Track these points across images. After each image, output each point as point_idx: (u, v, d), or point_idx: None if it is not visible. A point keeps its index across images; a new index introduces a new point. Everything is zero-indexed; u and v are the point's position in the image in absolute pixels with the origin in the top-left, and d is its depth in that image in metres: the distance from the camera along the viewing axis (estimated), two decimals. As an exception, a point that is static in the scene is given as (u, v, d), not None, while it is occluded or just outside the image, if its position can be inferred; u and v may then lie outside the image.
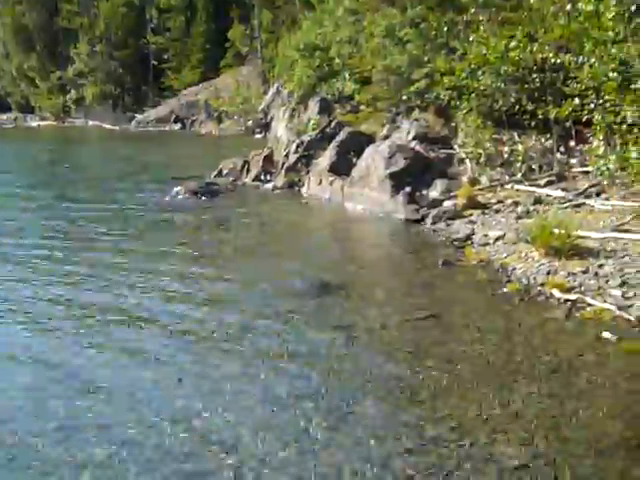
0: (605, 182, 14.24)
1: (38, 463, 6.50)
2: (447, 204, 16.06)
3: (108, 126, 56.78)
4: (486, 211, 15.06)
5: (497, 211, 14.93)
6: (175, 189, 21.01)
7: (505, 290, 10.79)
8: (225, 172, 24.00)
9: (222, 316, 10.20)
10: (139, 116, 57.37)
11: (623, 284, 10.08)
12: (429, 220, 15.48)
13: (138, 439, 6.85)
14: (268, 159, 23.60)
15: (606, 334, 8.82)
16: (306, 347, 8.99)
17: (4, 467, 6.48)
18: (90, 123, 60.59)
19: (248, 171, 23.56)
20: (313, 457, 6.42)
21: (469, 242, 13.52)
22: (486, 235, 13.46)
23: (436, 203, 16.33)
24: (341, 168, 19.58)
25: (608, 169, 13.48)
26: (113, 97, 62.79)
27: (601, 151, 13.95)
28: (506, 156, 17.25)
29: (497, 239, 13.08)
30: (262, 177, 22.86)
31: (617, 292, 9.89)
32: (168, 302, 11.01)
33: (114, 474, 6.33)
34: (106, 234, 16.16)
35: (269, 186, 21.85)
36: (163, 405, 7.58)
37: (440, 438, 6.68)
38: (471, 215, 15.03)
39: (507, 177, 16.81)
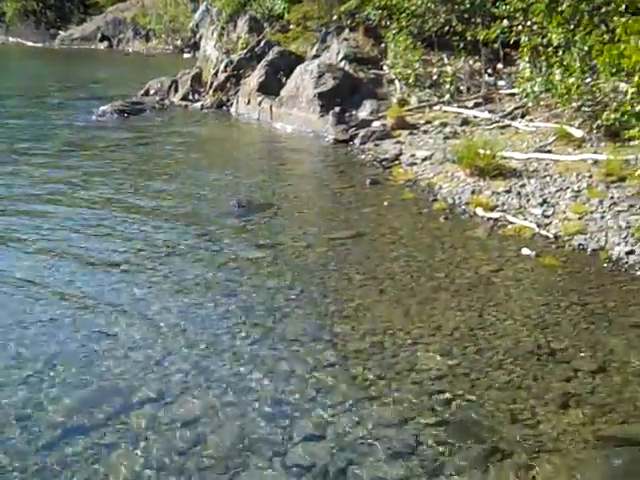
0: (530, 104, 14.43)
1: None
2: (376, 124, 16.07)
3: (30, 43, 54.49)
4: (414, 132, 15.13)
5: (425, 132, 15.02)
6: (101, 108, 20.47)
7: (431, 209, 10.97)
8: (152, 91, 23.42)
9: (148, 235, 10.11)
10: (63, 33, 55.13)
11: (543, 203, 10.34)
12: (358, 140, 15.50)
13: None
14: (197, 78, 23.09)
15: (525, 250, 9.09)
16: (233, 265, 9.01)
17: None
18: (11, 40, 58.05)
19: (176, 90, 23.04)
20: (236, 372, 6.49)
21: (397, 162, 13.62)
22: (414, 155, 13.56)
23: (365, 123, 16.32)
24: (270, 88, 19.34)
25: (533, 91, 13.63)
26: (35, 13, 60.14)
27: (527, 73, 14.10)
28: (435, 77, 17.31)
29: (424, 159, 13.20)
30: (190, 96, 22.40)
31: (537, 211, 10.16)
32: (90, 219, 10.86)
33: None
34: (29, 152, 15.71)
35: (197, 106, 21.46)
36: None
37: (363, 351, 6.83)
38: (399, 135, 15.09)
39: (436, 98, 16.87)
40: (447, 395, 6.03)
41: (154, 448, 5.43)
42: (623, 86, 9.51)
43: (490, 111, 15.36)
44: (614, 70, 9.89)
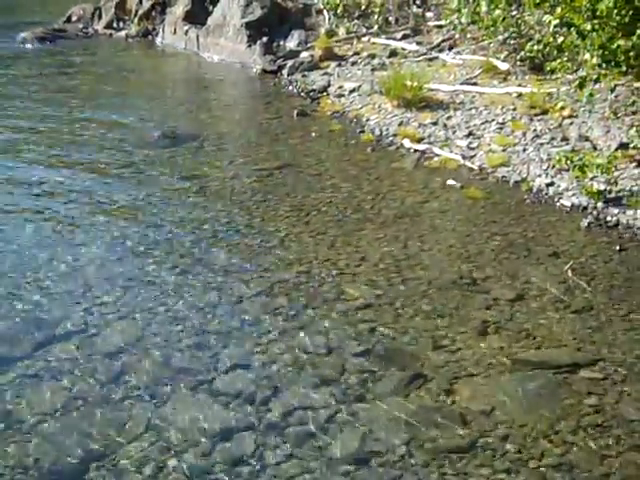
0: (457, 36, 14.43)
1: None
2: (304, 55, 15.84)
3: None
4: (342, 63, 14.97)
5: (353, 63, 14.87)
6: (21, 35, 19.67)
7: (358, 141, 10.96)
8: (75, 18, 22.53)
9: (69, 164, 9.89)
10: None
11: (469, 135, 10.44)
12: (285, 71, 15.27)
13: None
14: (121, 6, 22.21)
15: (451, 182, 9.19)
16: (158, 196, 8.89)
17: None
18: None
19: (100, 18, 22.18)
20: (161, 302, 6.46)
21: (325, 94, 13.50)
22: (341, 87, 13.46)
23: (293, 54, 16.07)
24: (197, 17, 18.82)
25: (460, 23, 13.63)
26: None
27: (455, 5, 14.03)
28: (363, 8, 17.07)
29: (352, 91, 13.12)
30: (115, 25, 21.60)
31: (463, 143, 10.25)
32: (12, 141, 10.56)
33: None
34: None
35: (122, 34, 20.75)
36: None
37: (289, 281, 6.87)
38: (327, 67, 14.92)
39: (364, 29, 16.68)
40: (372, 324, 6.12)
41: (79, 379, 5.39)
42: (547, 17, 9.57)
43: (418, 43, 15.28)
44: (538, 2, 9.93)
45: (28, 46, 19.30)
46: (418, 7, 16.81)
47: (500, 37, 12.84)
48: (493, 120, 10.72)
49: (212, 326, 6.11)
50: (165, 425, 4.93)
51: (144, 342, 5.86)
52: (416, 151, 10.31)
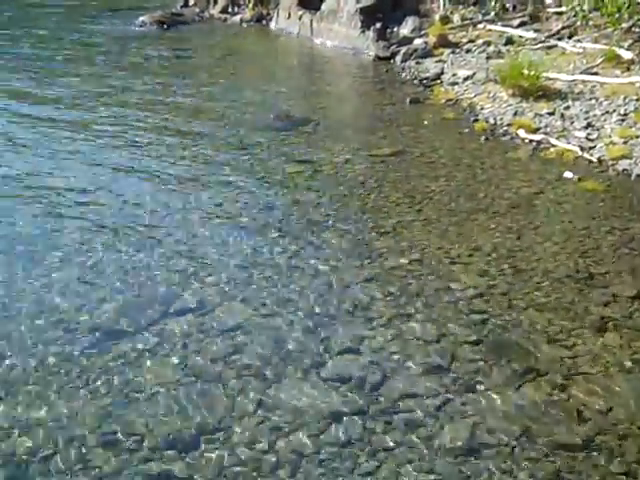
0: (578, 23, 13.99)
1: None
2: (417, 42, 15.73)
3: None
4: (457, 50, 14.80)
5: (468, 51, 14.67)
6: (140, 18, 20.34)
7: (472, 129, 10.80)
8: (192, 3, 23.14)
9: (189, 147, 10.14)
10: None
11: (588, 126, 10.11)
12: (399, 58, 15.21)
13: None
14: (237, -9, 22.70)
15: (567, 174, 8.94)
16: (272, 179, 9.02)
17: None
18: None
19: (216, 3, 22.70)
20: (274, 284, 6.55)
21: (438, 81, 13.37)
22: (455, 74, 13.29)
23: (406, 41, 16.00)
24: (311, 2, 18.95)
25: (582, 10, 13.21)
26: None
27: (577, -9, 13.63)
28: (480, -6, 16.78)
29: (466, 79, 12.93)
30: (230, 9, 22.09)
31: (581, 134, 9.94)
32: (128, 129, 10.89)
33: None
34: (70, 61, 15.75)
35: (237, 19, 21.16)
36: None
37: (401, 268, 6.83)
38: (441, 54, 14.77)
39: (480, 16, 16.41)
40: (484, 314, 6.03)
41: (192, 355, 5.52)
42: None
43: (536, 30, 14.92)
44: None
45: (147, 29, 19.86)
46: (537, -7, 16.38)
47: (625, 25, 12.36)
48: (614, 111, 10.35)
49: (323, 310, 6.14)
50: (275, 405, 4.99)
51: (256, 323, 5.95)
52: (531, 141, 10.07)
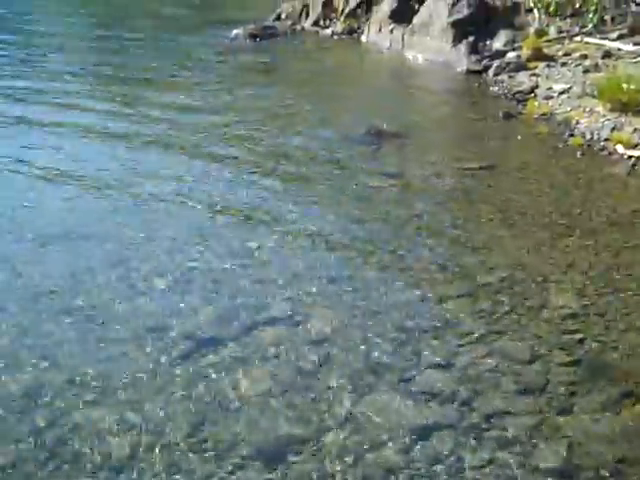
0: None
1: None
2: (511, 55, 15.51)
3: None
4: (552, 64, 14.50)
5: (563, 64, 14.36)
6: (234, 31, 20.72)
7: (567, 144, 10.56)
8: (284, 16, 23.41)
9: (278, 161, 10.21)
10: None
11: (691, 142, 9.78)
12: (491, 71, 15.01)
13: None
14: (328, 4, 22.82)
15: (669, 191, 8.66)
16: (361, 192, 9.00)
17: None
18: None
19: (307, 16, 22.91)
20: (365, 296, 6.52)
21: (532, 95, 13.13)
22: (550, 88, 13.03)
23: (499, 54, 15.78)
24: (402, 15, 18.91)
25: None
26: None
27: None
28: (577, 6, 16.42)
29: (562, 93, 12.66)
30: (321, 22, 22.23)
31: (684, 150, 9.62)
32: (220, 142, 11.07)
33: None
34: (162, 73, 16.18)
35: (328, 32, 21.30)
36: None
37: (492, 284, 6.71)
38: (536, 67, 14.50)
39: (577, 29, 16.06)
40: (580, 335, 5.86)
41: (283, 366, 5.54)
42: None
43: (635, 43, 14.50)
44: None
45: (240, 42, 20.22)
46: (637, 5, 15.92)
47: None
48: None
49: (414, 323, 6.08)
50: (365, 418, 4.96)
51: (347, 334, 5.93)
52: (631, 157, 9.78)
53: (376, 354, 5.66)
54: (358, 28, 20.81)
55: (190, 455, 4.64)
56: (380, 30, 19.46)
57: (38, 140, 11.26)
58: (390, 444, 4.71)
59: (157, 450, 4.68)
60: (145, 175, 9.66)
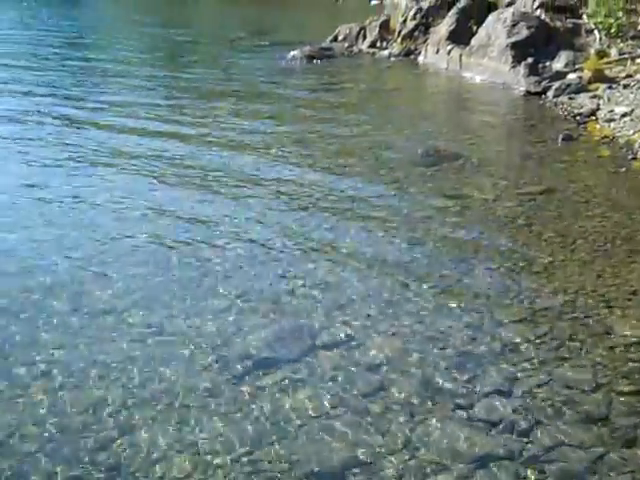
0: None
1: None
2: (571, 77, 15.33)
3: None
4: (613, 85, 14.30)
5: (625, 86, 14.14)
6: (291, 53, 20.99)
7: (630, 168, 10.38)
8: (341, 38, 23.59)
9: (334, 181, 10.24)
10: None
11: None
12: (551, 93, 14.87)
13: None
14: (385, 26, 22.96)
15: None
16: (418, 214, 8.96)
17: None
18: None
19: (364, 37, 23.06)
20: (421, 320, 6.48)
21: (593, 117, 12.97)
22: (612, 111, 12.85)
23: (559, 76, 15.62)
24: (460, 36, 18.92)
25: None
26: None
27: None
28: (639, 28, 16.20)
29: (624, 115, 12.47)
30: (378, 44, 22.35)
31: None
32: (278, 163, 11.16)
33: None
34: (220, 94, 16.44)
35: (385, 53, 21.38)
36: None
37: (553, 310, 6.60)
38: (597, 89, 14.32)
39: (639, 50, 15.81)
40: (644, 363, 5.73)
41: (340, 388, 5.52)
42: None
43: (699, 65, 14.24)
44: None
45: (297, 63, 20.43)
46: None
47: None
48: None
49: (471, 349, 6.02)
50: (423, 444, 4.91)
51: (404, 359, 5.89)
52: (695, 181, 9.58)
53: (434, 379, 5.61)
54: (415, 49, 20.85)
55: (247, 474, 4.65)
56: (437, 51, 19.46)
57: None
58: (448, 472, 4.66)
59: (214, 469, 4.70)
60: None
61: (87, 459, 4.81)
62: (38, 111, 15.18)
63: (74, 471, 4.72)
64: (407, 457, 4.79)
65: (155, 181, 10.44)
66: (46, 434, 5.06)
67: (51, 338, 6.27)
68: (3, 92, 17.79)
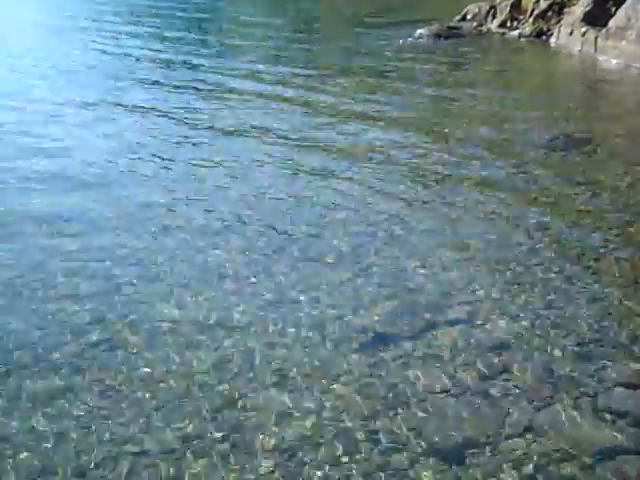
0: None
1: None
2: None
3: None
4: None
5: None
6: (418, 31, 20.79)
7: None
8: (469, 17, 23.11)
9: (460, 161, 10.10)
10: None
11: None
12: (693, 80, 14.14)
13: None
14: (516, 5, 22.28)
15: None
16: (546, 199, 8.72)
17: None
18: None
19: (494, 17, 22.48)
20: (547, 304, 6.30)
21: None
22: None
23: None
24: (596, 18, 18.17)
25: None
26: None
27: None
28: None
29: None
30: (508, 24, 21.75)
31: None
32: (405, 138, 11.08)
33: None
34: (348, 70, 16.48)
35: (515, 34, 20.81)
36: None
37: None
38: None
39: None
40: None
41: (460, 368, 5.45)
42: None
43: None
44: None
45: (424, 41, 20.21)
46: None
47: None
48: None
49: (598, 337, 5.81)
50: (544, 430, 4.78)
51: (526, 342, 5.76)
52: None
53: (558, 365, 5.46)
54: (547, 30, 20.20)
55: (364, 444, 4.67)
56: (571, 33, 18.78)
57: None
58: (571, 462, 4.52)
59: (332, 436, 4.74)
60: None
61: (206, 418, 4.94)
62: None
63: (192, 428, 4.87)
64: (527, 443, 4.68)
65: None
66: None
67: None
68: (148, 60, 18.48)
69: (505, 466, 4.47)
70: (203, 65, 17.89)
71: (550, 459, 4.53)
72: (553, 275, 6.83)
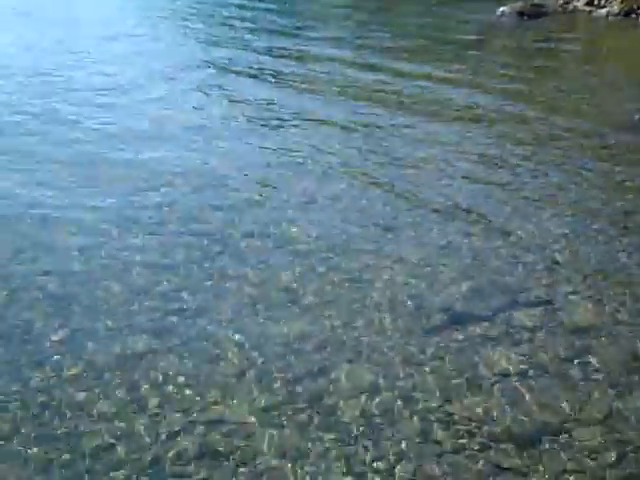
0: None
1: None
2: None
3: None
4: None
5: None
6: (500, 8, 20.32)
7: None
8: (556, -6, 22.52)
9: (539, 144, 9.92)
10: None
11: None
12: None
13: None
14: (605, -18, 21.66)
15: None
16: (630, 184, 8.46)
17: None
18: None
19: (582, -6, 21.87)
20: (631, 290, 6.13)
21: None
22: None
23: None
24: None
25: None
26: None
27: None
28: None
29: None
30: (596, 2, 21.10)
31: None
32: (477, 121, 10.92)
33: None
34: (427, 47, 16.32)
35: (603, 12, 20.19)
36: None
37: None
38: None
39: None
40: None
41: (538, 350, 5.34)
42: None
43: None
44: None
45: (506, 19, 19.83)
46: None
47: None
48: None
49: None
50: (624, 419, 4.64)
51: (610, 327, 5.61)
52: None
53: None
54: (638, 9, 19.51)
55: (438, 425, 4.62)
56: (663, 11, 18.14)
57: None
58: (651, 451, 4.40)
59: (406, 415, 4.71)
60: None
61: (283, 390, 4.98)
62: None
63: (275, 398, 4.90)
64: (605, 431, 4.56)
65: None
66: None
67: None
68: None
69: (582, 454, 4.36)
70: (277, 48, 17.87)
71: (627, 450, 4.41)
72: (637, 261, 6.63)
